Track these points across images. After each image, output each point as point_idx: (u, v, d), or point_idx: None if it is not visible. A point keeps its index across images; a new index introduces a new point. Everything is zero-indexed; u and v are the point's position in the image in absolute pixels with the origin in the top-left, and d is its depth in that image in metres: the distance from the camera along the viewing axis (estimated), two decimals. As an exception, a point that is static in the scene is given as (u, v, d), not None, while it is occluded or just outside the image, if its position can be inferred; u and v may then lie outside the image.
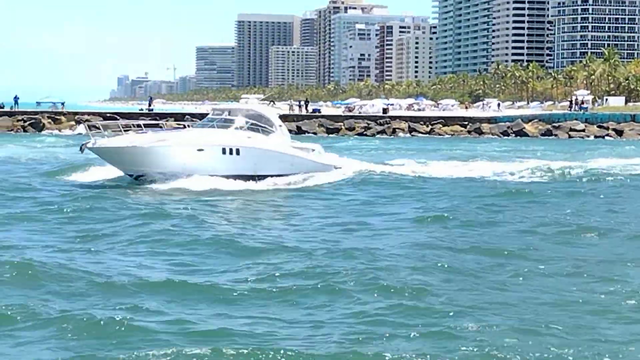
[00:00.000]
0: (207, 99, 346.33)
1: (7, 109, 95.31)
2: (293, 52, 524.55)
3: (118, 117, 46.81)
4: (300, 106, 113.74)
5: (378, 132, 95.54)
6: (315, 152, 42.98)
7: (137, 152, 37.46)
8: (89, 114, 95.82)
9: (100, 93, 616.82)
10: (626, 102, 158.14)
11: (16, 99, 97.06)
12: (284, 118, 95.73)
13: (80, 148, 38.12)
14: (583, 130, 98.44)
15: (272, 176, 39.78)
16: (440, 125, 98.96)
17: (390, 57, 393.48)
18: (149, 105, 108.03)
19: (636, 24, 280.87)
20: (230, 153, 39.25)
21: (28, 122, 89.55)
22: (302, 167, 40.92)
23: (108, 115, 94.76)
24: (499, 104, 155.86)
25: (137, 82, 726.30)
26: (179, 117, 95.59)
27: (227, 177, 38.27)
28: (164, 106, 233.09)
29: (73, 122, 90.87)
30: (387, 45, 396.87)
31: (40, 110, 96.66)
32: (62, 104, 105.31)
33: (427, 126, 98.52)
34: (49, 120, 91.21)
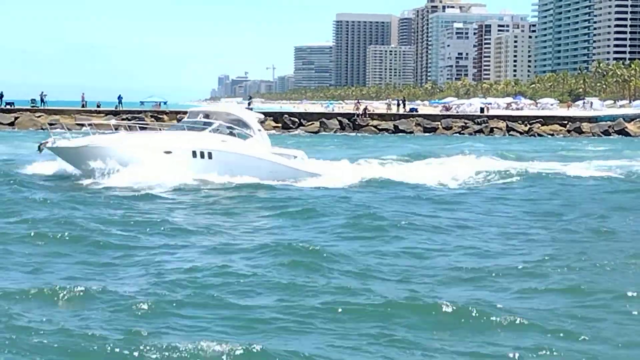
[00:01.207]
0: (305, 98, 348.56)
1: (111, 108, 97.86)
2: (390, 51, 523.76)
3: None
4: (397, 105, 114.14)
5: (475, 132, 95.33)
6: (298, 158, 40.05)
7: (96, 153, 35.55)
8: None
9: (201, 92, 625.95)
10: None
11: (120, 98, 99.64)
12: (381, 117, 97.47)
13: (39, 147, 36.53)
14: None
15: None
16: (539, 125, 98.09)
17: (489, 56, 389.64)
18: (249, 104, 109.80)
19: None
20: (202, 157, 37.17)
21: (133, 121, 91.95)
22: (282, 174, 38.14)
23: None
24: (598, 103, 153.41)
25: (237, 82, 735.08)
26: (276, 116, 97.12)
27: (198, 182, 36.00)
28: (263, 105, 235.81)
29: (175, 121, 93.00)
30: (486, 44, 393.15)
31: (144, 110, 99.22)
32: (165, 103, 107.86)
33: (525, 125, 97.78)
34: (152, 119, 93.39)
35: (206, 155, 37.14)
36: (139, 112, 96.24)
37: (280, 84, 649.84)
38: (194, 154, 36.96)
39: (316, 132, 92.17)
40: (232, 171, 36.94)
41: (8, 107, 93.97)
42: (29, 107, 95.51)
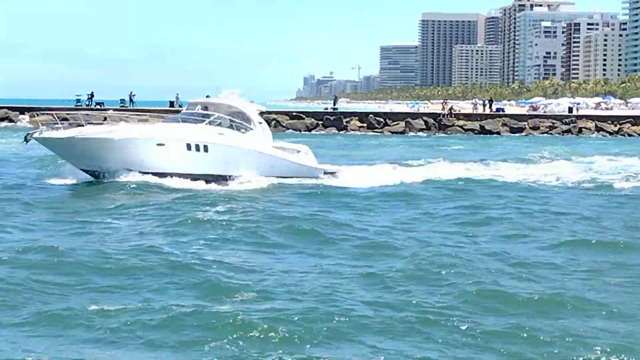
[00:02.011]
0: (390, 98, 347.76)
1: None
2: (477, 50, 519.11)
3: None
4: (484, 105, 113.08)
5: (563, 132, 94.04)
6: (301, 153, 38.81)
7: (84, 144, 34.19)
8: (275, 112, 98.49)
9: (287, 92, 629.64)
10: None
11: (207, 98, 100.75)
12: (467, 117, 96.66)
13: (25, 138, 35.09)
14: None
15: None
16: (629, 125, 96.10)
17: (577, 55, 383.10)
18: (334, 104, 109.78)
19: None
20: (197, 150, 35.68)
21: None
22: (284, 169, 37.06)
23: (294, 114, 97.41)
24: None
25: (322, 82, 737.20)
26: (362, 116, 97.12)
27: (193, 176, 35.07)
28: (348, 105, 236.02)
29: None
30: (574, 42, 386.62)
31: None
32: (251, 102, 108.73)
33: (615, 125, 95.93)
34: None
35: (202, 148, 35.69)
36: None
37: (365, 84, 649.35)
38: (189, 146, 35.57)
39: (401, 132, 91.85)
40: (228, 165, 35.81)
41: (98, 107, 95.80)
42: (118, 107, 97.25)
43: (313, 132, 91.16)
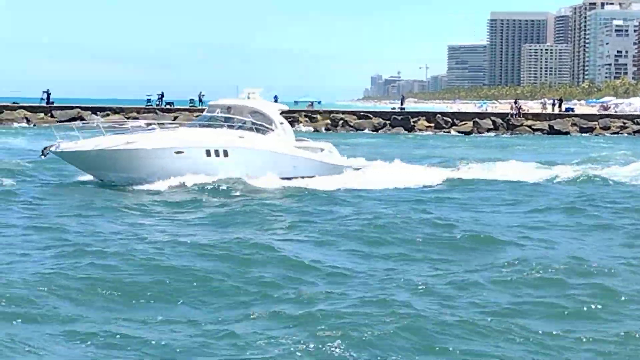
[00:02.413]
0: (457, 98, 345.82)
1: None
2: (546, 49, 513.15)
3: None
4: (553, 105, 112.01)
5: (635, 132, 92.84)
6: (325, 151, 38.09)
7: (103, 156, 33.63)
8: (342, 112, 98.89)
9: (355, 92, 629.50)
10: None
11: (275, 98, 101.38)
12: (535, 117, 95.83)
13: (42, 152, 34.44)
14: None
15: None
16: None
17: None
18: (401, 104, 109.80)
19: None
20: (217, 155, 35.01)
21: (287, 120, 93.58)
22: (307, 169, 36.34)
23: (361, 113, 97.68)
24: None
25: (390, 81, 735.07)
26: (429, 116, 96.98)
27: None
28: (415, 105, 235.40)
29: (328, 121, 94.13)
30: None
31: (298, 109, 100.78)
32: (319, 102, 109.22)
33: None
34: (306, 118, 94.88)
35: (221, 153, 35.10)
36: (293, 111, 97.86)
37: (433, 84, 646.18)
38: (208, 152, 34.97)
39: (469, 132, 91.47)
40: (250, 169, 35.00)
41: (168, 106, 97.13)
42: (187, 107, 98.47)
43: (380, 132, 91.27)
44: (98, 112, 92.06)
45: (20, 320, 13.95)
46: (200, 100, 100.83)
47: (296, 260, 19.06)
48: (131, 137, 34.85)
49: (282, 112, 38.98)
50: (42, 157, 34.71)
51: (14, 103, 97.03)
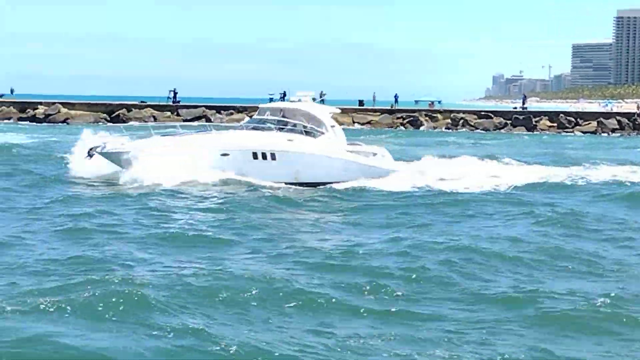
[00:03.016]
0: (581, 97, 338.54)
1: (387, 107, 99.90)
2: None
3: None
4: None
5: None
6: (378, 156, 37.25)
7: (142, 157, 33.84)
8: (463, 111, 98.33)
9: (476, 92, 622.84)
10: None
11: (396, 97, 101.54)
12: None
13: (88, 153, 34.99)
14: None
15: (319, 184, 35.00)
16: None
17: None
18: (523, 103, 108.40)
19: None
20: (264, 158, 34.85)
21: (407, 120, 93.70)
22: (357, 172, 35.47)
23: (482, 113, 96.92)
24: None
25: (511, 81, 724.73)
26: (551, 115, 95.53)
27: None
28: (537, 104, 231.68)
29: (449, 120, 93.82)
30: None
31: (418, 109, 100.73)
32: (439, 102, 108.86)
33: None
34: (426, 118, 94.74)
35: (269, 156, 34.92)
36: (414, 111, 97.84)
37: (556, 83, 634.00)
38: (255, 155, 34.84)
39: (593, 132, 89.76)
40: (298, 172, 34.98)
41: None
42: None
43: (502, 131, 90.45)
44: (222, 111, 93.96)
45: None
46: (321, 100, 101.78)
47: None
48: (179, 140, 35.50)
49: (334, 115, 38.69)
50: (88, 158, 34.96)
51: (141, 102, 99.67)
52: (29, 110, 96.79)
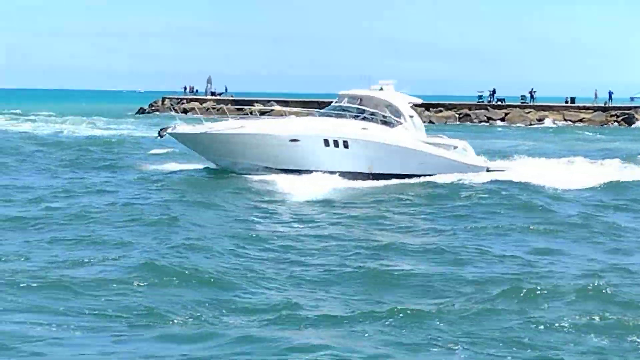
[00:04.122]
0: None
1: (600, 104, 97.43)
2: None
3: None
4: None
5: None
6: (459, 149, 35.39)
7: (215, 139, 33.64)
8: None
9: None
10: None
11: (610, 94, 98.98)
12: None
13: (159, 133, 35.07)
14: None
15: (393, 176, 33.51)
16: None
17: None
18: None
19: None
20: (336, 145, 33.52)
21: (621, 117, 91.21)
22: (435, 166, 33.84)
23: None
24: None
25: None
26: None
27: (332, 173, 32.96)
28: None
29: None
30: None
31: (634, 106, 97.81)
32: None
33: None
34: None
35: (341, 143, 33.67)
36: (629, 108, 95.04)
37: None
38: (326, 142, 33.62)
39: None
40: (372, 162, 33.70)
41: (499, 103, 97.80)
42: (518, 104, 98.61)
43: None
44: (431, 109, 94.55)
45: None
46: (531, 97, 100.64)
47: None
48: (246, 122, 34.89)
49: (415, 106, 37.33)
50: (159, 137, 35.69)
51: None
52: (245, 107, 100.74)
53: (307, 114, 37.49)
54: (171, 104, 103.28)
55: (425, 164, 33.98)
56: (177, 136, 34.84)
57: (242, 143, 33.43)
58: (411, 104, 36.42)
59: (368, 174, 33.69)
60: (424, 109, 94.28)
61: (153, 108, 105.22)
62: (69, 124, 76.04)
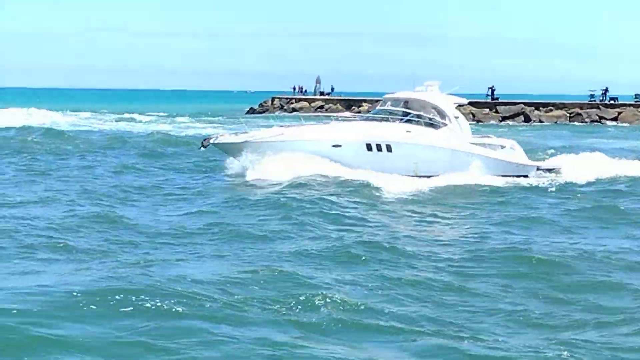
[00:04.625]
0: None
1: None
2: None
3: None
4: None
5: None
6: (506, 149, 34.94)
7: (252, 148, 33.15)
8: None
9: None
10: None
11: None
12: None
13: (202, 143, 34.63)
14: None
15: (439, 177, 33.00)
16: None
17: None
18: None
19: None
20: (379, 149, 33.35)
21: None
22: (484, 167, 33.59)
23: None
24: None
25: None
26: None
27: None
28: None
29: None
30: None
31: None
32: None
33: None
34: None
35: (384, 147, 33.49)
36: None
37: None
38: (369, 146, 33.45)
39: None
40: (417, 165, 33.48)
41: (612, 102, 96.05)
42: (632, 102, 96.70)
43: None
44: (541, 108, 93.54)
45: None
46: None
47: None
48: (286, 130, 34.67)
49: (459, 106, 36.75)
50: (202, 148, 35.06)
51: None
52: (354, 107, 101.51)
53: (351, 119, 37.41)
54: (280, 104, 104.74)
55: (474, 164, 33.80)
56: (220, 146, 34.65)
57: (284, 150, 33.08)
58: (456, 105, 36.29)
59: (414, 177, 33.34)
60: (533, 108, 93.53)
61: (263, 108, 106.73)
62: (190, 123, 77.61)
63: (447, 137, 34.15)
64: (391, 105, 35.13)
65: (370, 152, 33.50)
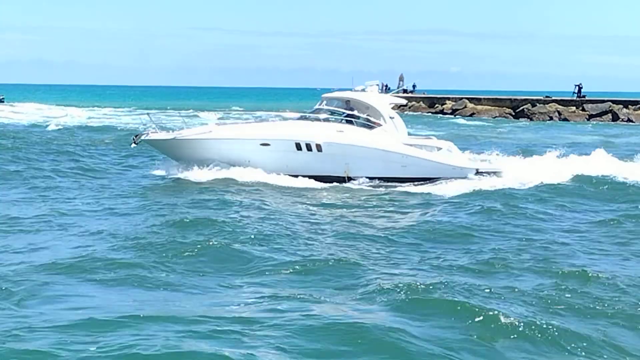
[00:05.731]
0: None
1: None
2: None
3: None
4: None
5: None
6: (443, 151, 33.53)
7: (181, 145, 33.12)
8: None
9: None
10: None
11: None
12: None
13: (133, 140, 34.43)
14: None
15: (373, 179, 32.49)
16: None
17: None
18: None
19: None
20: (309, 149, 32.66)
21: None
22: (419, 169, 32.51)
23: None
24: None
25: None
26: None
27: (304, 177, 32.28)
28: None
29: None
30: None
31: None
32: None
33: None
34: None
35: (314, 147, 32.76)
36: None
37: None
38: (298, 146, 32.80)
39: None
40: (348, 166, 32.63)
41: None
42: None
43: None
44: (630, 105, 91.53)
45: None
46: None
47: None
48: (215, 128, 34.28)
49: (399, 106, 36.15)
50: (134, 145, 35.11)
51: (546, 97, 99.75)
52: (437, 105, 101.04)
53: (282, 119, 37.37)
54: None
55: (408, 166, 32.95)
56: (150, 142, 34.51)
57: (212, 148, 33.13)
58: (392, 104, 35.61)
59: (343, 177, 32.90)
60: (622, 106, 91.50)
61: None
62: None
63: (381, 137, 33.29)
64: (327, 105, 34.40)
65: (299, 152, 33.01)
